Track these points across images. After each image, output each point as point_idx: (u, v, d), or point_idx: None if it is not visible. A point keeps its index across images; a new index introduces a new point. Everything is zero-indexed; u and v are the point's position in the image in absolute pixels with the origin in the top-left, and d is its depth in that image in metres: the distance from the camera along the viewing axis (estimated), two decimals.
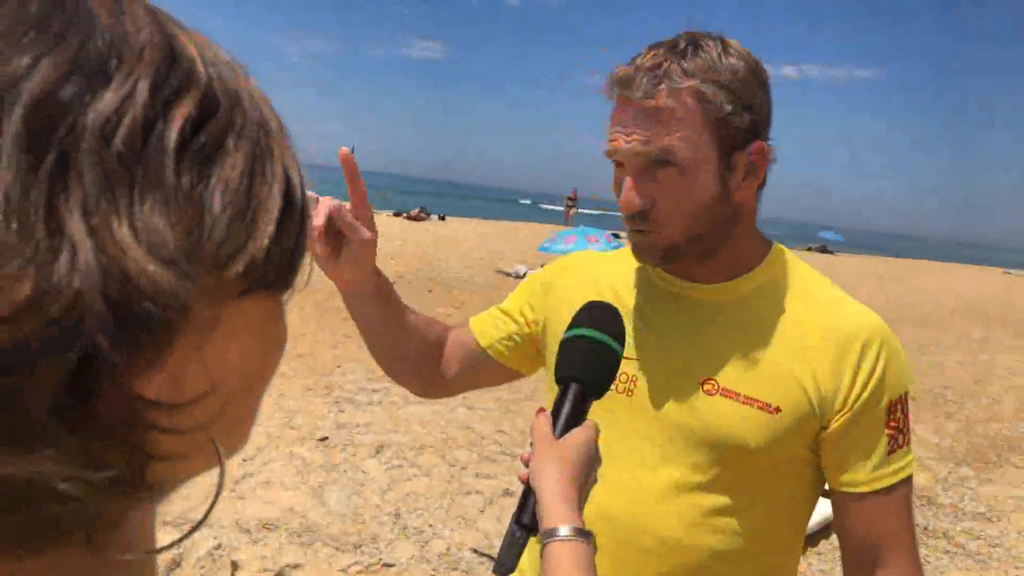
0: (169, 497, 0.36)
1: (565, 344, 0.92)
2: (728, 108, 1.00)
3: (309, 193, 0.37)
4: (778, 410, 1.02)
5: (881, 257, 38.18)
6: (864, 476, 1.04)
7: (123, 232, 0.27)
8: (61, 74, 0.27)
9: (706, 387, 1.06)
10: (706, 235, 1.05)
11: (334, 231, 1.08)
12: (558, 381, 0.91)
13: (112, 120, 0.27)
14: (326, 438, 4.62)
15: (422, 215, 24.20)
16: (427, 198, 41.58)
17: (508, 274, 13.11)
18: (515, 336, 1.28)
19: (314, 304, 8.45)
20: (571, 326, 0.94)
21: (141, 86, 0.29)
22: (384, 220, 21.95)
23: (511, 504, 0.94)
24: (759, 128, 1.04)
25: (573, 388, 0.89)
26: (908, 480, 1.08)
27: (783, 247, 1.17)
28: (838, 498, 1.08)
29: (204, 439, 0.34)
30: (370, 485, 4.06)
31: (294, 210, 0.35)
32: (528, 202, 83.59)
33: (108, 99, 0.28)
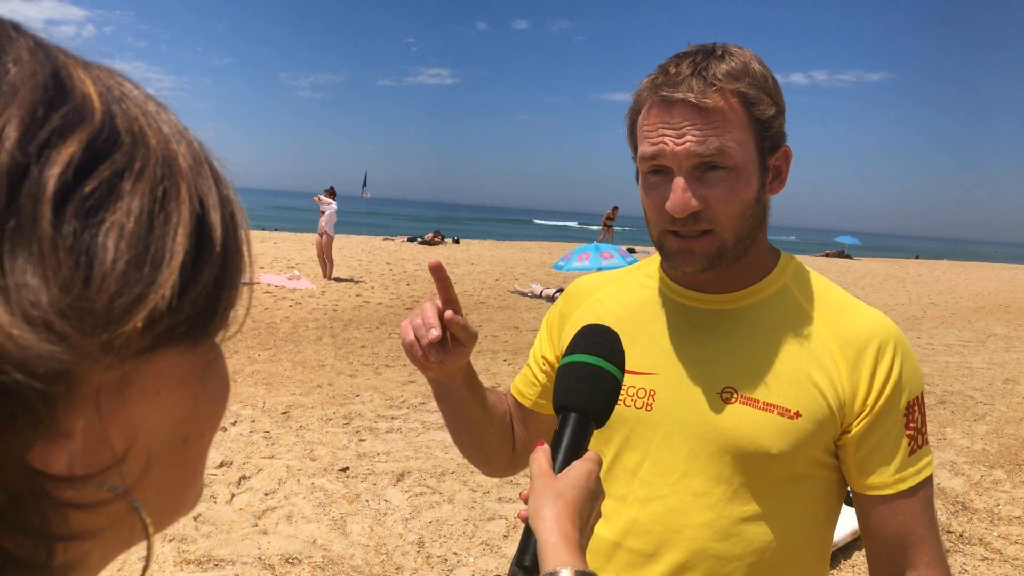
0: None
1: (560, 372, 0.89)
2: (771, 111, 1.01)
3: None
4: (798, 415, 1.03)
5: (900, 260, 37.79)
6: (888, 478, 1.05)
7: None
8: None
9: (725, 396, 1.06)
10: (745, 238, 1.05)
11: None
12: (556, 411, 0.87)
13: None
14: (347, 468, 4.60)
15: (436, 239, 24.30)
16: (441, 223, 41.75)
17: (524, 293, 13.09)
18: (548, 385, 1.27)
19: (331, 335, 8.47)
20: (566, 353, 0.91)
21: (9, 130, 0.26)
22: (398, 246, 22.05)
23: None
24: (785, 132, 1.07)
25: (572, 418, 0.85)
26: (930, 479, 1.08)
27: (791, 255, 1.17)
28: (863, 501, 1.08)
29: (127, 508, 0.31)
30: (392, 514, 4.02)
31: (210, 253, 0.32)
32: (574, 224, 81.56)
33: None
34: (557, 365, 1.23)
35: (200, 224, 0.31)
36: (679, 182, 0.99)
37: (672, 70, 1.00)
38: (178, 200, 0.31)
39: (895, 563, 1.07)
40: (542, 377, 1.28)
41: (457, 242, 25.63)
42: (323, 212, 13.44)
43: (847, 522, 3.70)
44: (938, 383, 7.87)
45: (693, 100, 0.97)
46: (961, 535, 4.16)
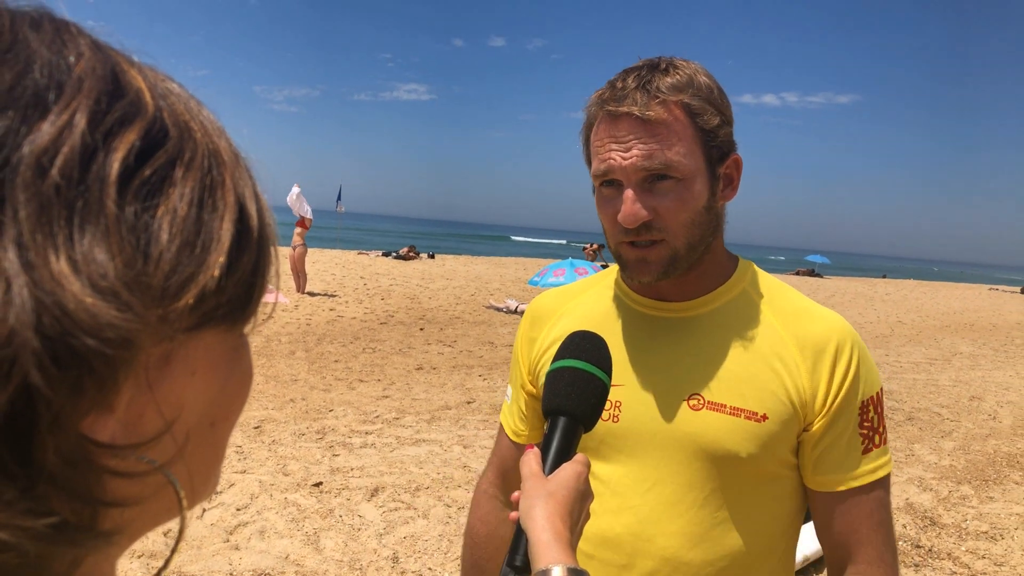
0: (129, 546, 0.35)
1: (550, 377, 0.91)
2: (715, 121, 1.03)
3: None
4: (764, 418, 1.05)
5: (868, 279, 38.43)
6: (840, 475, 1.07)
7: (60, 265, 0.26)
8: None
9: (692, 403, 1.07)
10: (697, 245, 1.07)
11: None
12: (545, 415, 0.89)
13: (49, 151, 0.27)
14: (320, 483, 4.55)
15: (411, 254, 24.24)
16: (417, 238, 41.72)
17: (499, 309, 13.09)
18: (533, 419, 1.30)
19: (304, 349, 8.40)
20: (555, 358, 0.93)
21: (79, 117, 0.28)
22: (373, 260, 21.97)
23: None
24: (733, 141, 1.09)
25: (561, 421, 0.86)
26: (884, 480, 1.09)
27: (750, 261, 1.20)
28: (815, 497, 1.11)
29: (163, 482, 0.33)
30: (366, 529, 3.99)
31: (249, 241, 0.34)
32: (563, 241, 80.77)
33: (45, 131, 0.27)
34: (540, 387, 1.25)
35: (241, 213, 0.34)
36: (628, 194, 1.02)
37: (619, 84, 1.03)
38: (223, 189, 0.33)
39: (840, 559, 1.09)
40: (528, 412, 1.30)
41: (432, 257, 25.60)
42: (291, 204, 12.93)
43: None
44: (906, 400, 8.00)
45: (637, 113, 1.00)
46: (930, 550, 4.22)
